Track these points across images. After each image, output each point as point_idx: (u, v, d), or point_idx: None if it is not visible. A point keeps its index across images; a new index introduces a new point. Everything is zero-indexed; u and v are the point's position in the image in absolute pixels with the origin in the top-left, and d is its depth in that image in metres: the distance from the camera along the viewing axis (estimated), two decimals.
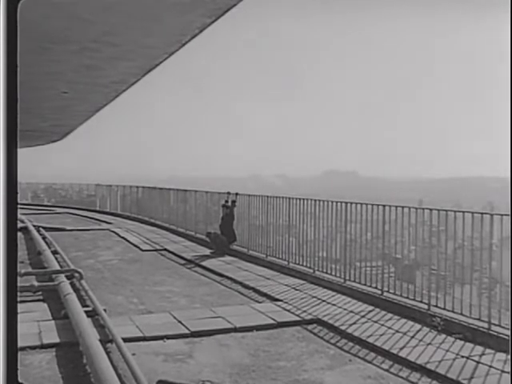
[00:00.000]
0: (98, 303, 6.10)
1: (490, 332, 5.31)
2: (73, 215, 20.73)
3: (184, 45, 6.24)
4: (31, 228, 13.44)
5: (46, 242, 11.33)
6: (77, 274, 7.55)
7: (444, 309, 5.97)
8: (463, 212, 5.91)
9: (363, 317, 6.20)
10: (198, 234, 13.29)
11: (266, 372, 4.58)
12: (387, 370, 4.63)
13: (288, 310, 6.47)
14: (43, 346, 5.08)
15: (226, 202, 11.57)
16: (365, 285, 7.25)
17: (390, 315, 6.27)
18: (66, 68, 7.54)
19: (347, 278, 7.63)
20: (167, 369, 4.61)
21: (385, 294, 6.86)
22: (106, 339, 5.12)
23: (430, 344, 5.23)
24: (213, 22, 5.32)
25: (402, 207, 6.78)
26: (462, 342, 5.27)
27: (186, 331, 5.62)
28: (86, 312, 5.72)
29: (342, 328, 5.74)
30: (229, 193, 11.72)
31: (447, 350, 5.04)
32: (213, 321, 6.04)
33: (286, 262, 9.31)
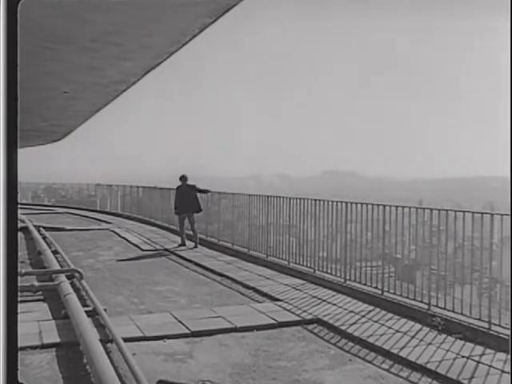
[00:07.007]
0: (99, 303, 6.10)
1: (490, 332, 5.31)
2: (73, 215, 20.74)
3: (184, 45, 6.24)
4: (31, 228, 13.45)
5: (47, 242, 11.33)
6: (77, 274, 7.55)
7: (444, 309, 5.97)
8: (463, 212, 5.91)
9: (363, 317, 6.19)
10: (197, 234, 13.29)
11: (267, 372, 4.58)
12: (387, 370, 4.63)
13: (288, 310, 6.47)
14: (43, 346, 5.07)
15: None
16: (365, 285, 7.25)
17: (390, 315, 6.27)
18: (67, 68, 7.55)
19: (347, 277, 7.63)
20: (167, 369, 4.61)
21: (385, 293, 6.86)
22: (107, 339, 5.12)
23: (430, 344, 5.23)
24: (213, 22, 5.32)
25: (402, 207, 6.78)
26: (463, 342, 5.27)
27: (187, 331, 5.62)
28: (86, 312, 5.72)
29: (343, 328, 5.74)
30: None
31: (447, 350, 5.04)
32: (213, 321, 6.04)
33: (286, 262, 9.31)
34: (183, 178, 12.17)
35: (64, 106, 10.95)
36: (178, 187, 12.27)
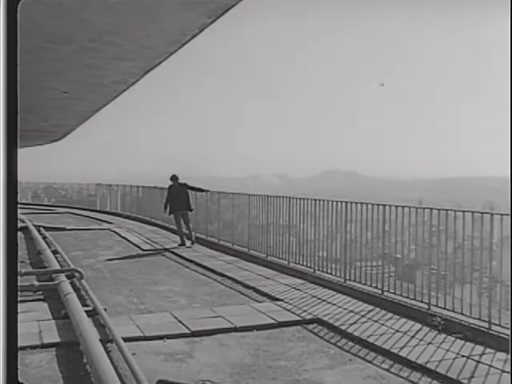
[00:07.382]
0: (98, 303, 6.10)
1: (491, 332, 5.31)
2: (73, 215, 20.74)
3: (184, 45, 6.25)
4: (31, 227, 13.45)
5: (46, 242, 11.33)
6: (77, 274, 7.55)
7: (444, 308, 5.97)
8: (463, 212, 5.91)
9: (363, 316, 6.20)
10: (197, 234, 13.30)
11: (266, 372, 4.58)
12: (387, 370, 4.63)
13: (288, 310, 6.47)
14: (43, 346, 5.07)
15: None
16: (365, 284, 7.25)
17: (390, 315, 6.27)
18: (67, 68, 7.56)
19: (347, 277, 7.63)
20: (167, 368, 4.61)
21: (385, 293, 6.86)
22: (107, 339, 5.12)
23: (430, 343, 5.23)
24: (213, 21, 5.33)
25: (402, 207, 6.78)
26: (463, 342, 5.27)
27: (186, 331, 5.62)
28: (86, 311, 5.72)
29: (342, 328, 5.74)
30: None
31: (447, 350, 5.04)
32: (213, 320, 6.04)
33: (286, 262, 9.31)
34: (174, 178, 12.60)
35: (64, 105, 10.96)
36: (169, 186, 12.68)
